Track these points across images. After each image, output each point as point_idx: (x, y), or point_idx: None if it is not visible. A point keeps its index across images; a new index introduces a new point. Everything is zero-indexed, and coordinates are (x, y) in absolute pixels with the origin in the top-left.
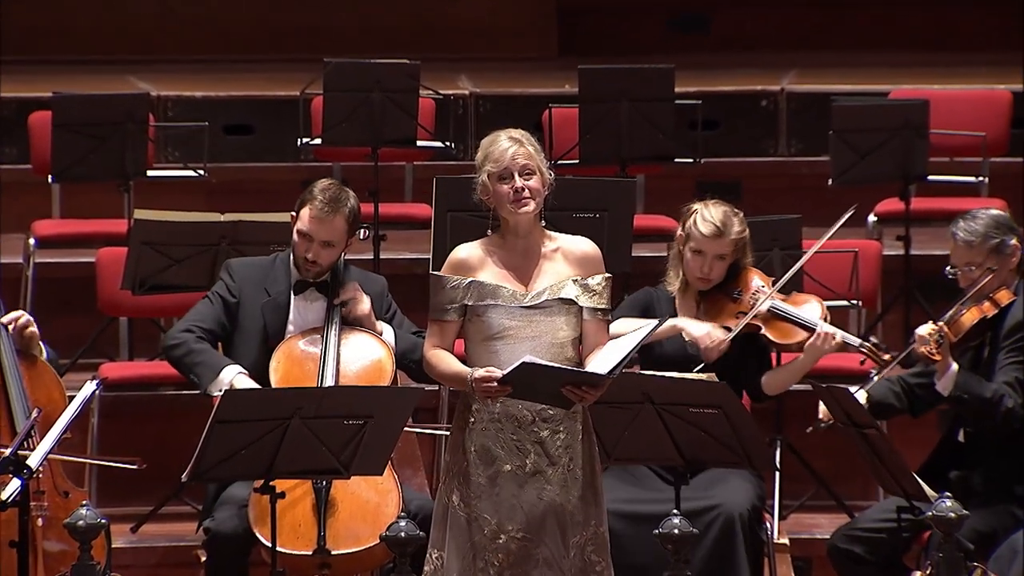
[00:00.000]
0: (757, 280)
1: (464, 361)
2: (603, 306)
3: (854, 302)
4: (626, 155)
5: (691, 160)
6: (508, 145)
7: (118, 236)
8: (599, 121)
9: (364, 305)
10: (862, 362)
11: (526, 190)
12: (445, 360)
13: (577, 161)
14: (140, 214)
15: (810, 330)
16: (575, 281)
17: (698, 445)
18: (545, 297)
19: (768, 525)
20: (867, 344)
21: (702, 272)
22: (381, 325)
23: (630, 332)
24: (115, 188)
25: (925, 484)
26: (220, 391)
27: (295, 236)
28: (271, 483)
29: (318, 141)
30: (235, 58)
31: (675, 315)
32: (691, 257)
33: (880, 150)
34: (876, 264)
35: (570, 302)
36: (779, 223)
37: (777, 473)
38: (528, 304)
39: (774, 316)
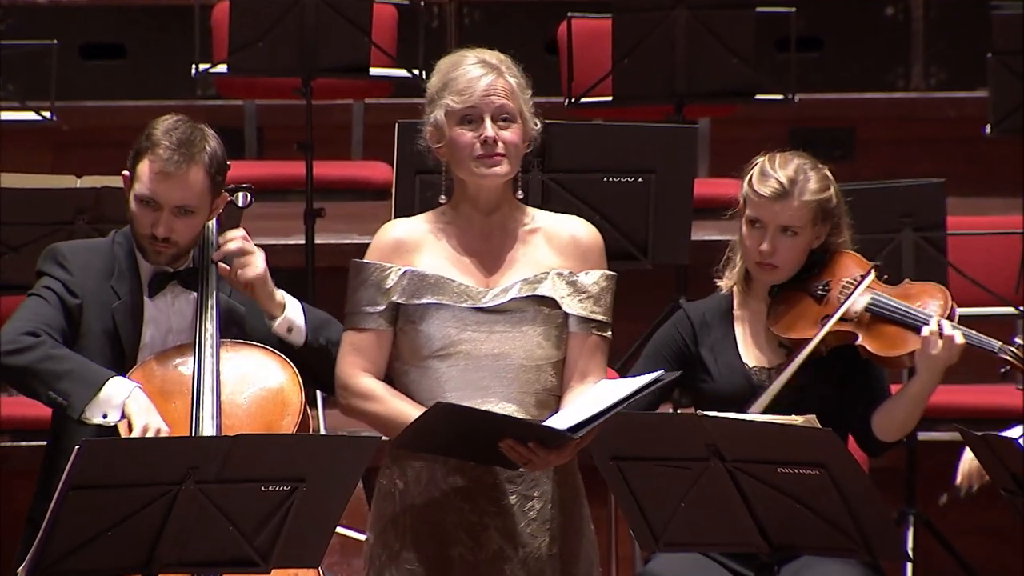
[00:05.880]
0: (856, 269)
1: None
2: (599, 316)
3: (1022, 308)
4: (683, 90)
5: (780, 97)
6: (479, 73)
7: None
8: (643, 39)
9: (257, 263)
10: (1004, 371)
11: (499, 143)
12: (385, 400)
13: (609, 99)
14: None
15: (919, 329)
16: (560, 275)
17: (790, 523)
18: (513, 295)
19: None
20: (1009, 348)
21: (760, 254)
22: (282, 295)
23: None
24: None
25: None
26: (107, 416)
27: (132, 205)
28: None
29: (222, 68)
30: None
31: (730, 330)
32: (747, 232)
33: None
34: None
35: (550, 304)
36: (912, 191)
37: (909, 564)
38: (488, 305)
39: (874, 316)
